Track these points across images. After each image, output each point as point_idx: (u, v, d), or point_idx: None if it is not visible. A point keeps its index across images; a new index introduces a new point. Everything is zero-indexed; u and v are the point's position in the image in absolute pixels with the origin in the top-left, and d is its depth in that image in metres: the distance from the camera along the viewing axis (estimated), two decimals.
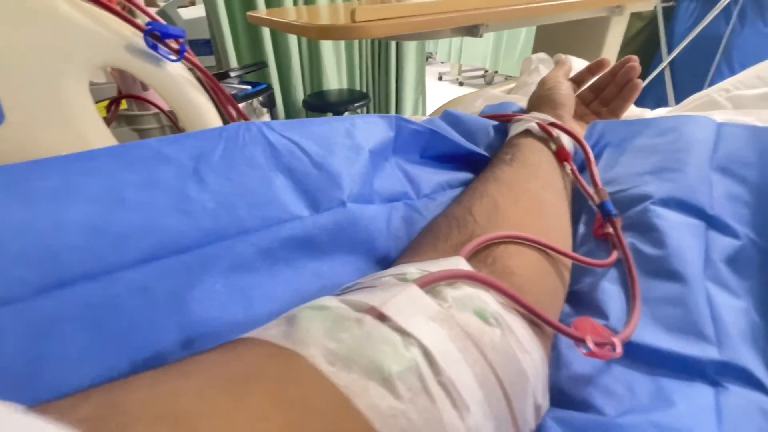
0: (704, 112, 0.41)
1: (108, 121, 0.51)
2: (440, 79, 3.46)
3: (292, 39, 1.54)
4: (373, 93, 1.95)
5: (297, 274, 0.19)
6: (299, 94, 1.67)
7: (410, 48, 1.86)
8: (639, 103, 0.49)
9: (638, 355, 0.21)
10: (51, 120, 0.29)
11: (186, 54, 0.31)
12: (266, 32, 1.49)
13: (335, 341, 0.11)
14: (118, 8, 0.28)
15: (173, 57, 0.31)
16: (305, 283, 0.19)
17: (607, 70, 0.44)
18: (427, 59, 3.80)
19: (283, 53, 1.57)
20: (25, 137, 0.28)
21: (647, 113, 0.51)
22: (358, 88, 1.85)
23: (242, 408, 0.09)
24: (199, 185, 0.19)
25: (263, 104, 1.50)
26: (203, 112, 0.35)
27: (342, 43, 1.68)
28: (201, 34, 1.79)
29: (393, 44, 1.83)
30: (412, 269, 0.17)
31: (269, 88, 1.46)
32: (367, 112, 1.81)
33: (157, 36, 0.29)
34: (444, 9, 0.50)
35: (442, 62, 3.69)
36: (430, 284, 0.15)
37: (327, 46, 1.63)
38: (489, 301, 0.16)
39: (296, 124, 0.25)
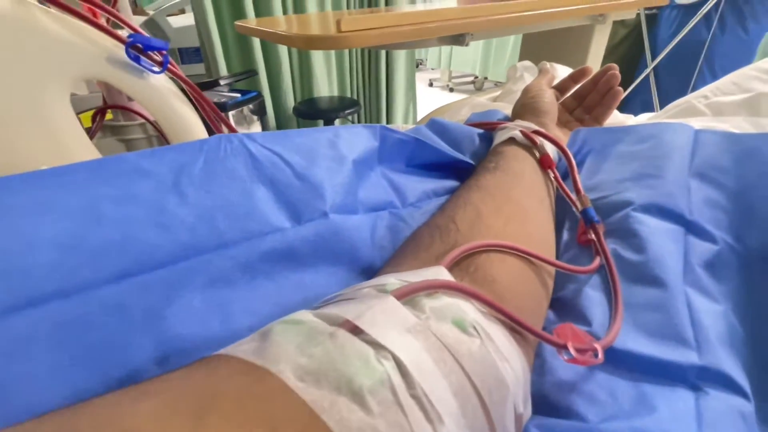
0: (684, 119, 0.42)
1: (93, 131, 0.51)
2: (431, 85, 3.49)
3: (282, 47, 1.54)
4: (363, 100, 1.96)
5: (278, 287, 0.19)
6: (290, 102, 1.68)
7: (400, 55, 1.87)
8: (625, 109, 0.50)
9: (621, 361, 0.21)
10: (32, 133, 0.28)
11: (170, 66, 0.31)
12: (256, 40, 1.49)
13: (306, 356, 0.11)
14: (98, 21, 0.28)
15: (156, 69, 0.31)
16: (286, 296, 0.19)
17: (589, 78, 0.45)
18: (417, 66, 3.83)
19: (273, 61, 1.57)
20: (6, 150, 0.28)
21: (630, 119, 0.52)
22: (348, 95, 1.86)
23: (201, 429, 0.09)
24: (179, 199, 0.19)
25: (254, 112, 1.50)
26: (188, 123, 0.35)
27: (332, 50, 1.69)
28: (191, 43, 1.79)
29: (383, 52, 1.84)
30: (392, 280, 0.17)
31: (259, 96, 1.46)
32: (358, 119, 1.82)
33: (139, 48, 0.29)
34: (429, 19, 0.50)
35: (432, 69, 3.73)
36: (407, 295, 0.15)
37: (317, 54, 1.64)
38: (468, 310, 0.16)
39: (279, 136, 0.25)
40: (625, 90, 1.83)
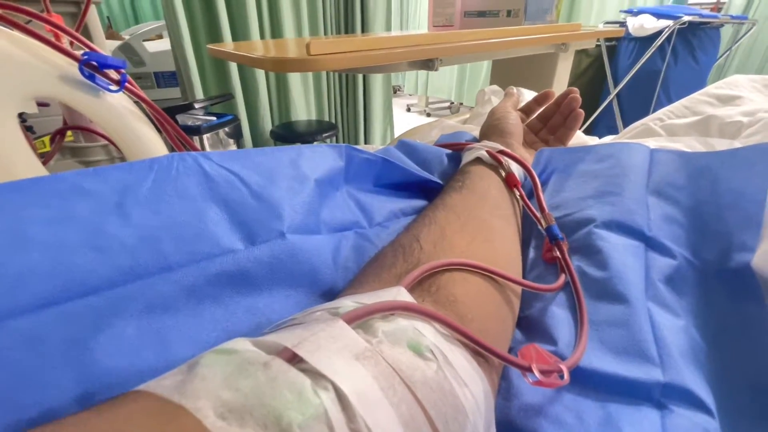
0: (642, 139, 0.43)
1: (51, 153, 0.48)
2: (408, 110, 3.57)
3: (260, 70, 1.55)
4: (341, 124, 1.98)
5: (227, 313, 0.18)
6: (267, 125, 1.67)
7: (377, 80, 1.92)
8: (591, 132, 0.52)
9: (587, 381, 0.21)
10: None
11: (127, 84, 0.30)
12: (233, 64, 1.50)
13: (232, 390, 0.10)
14: (50, 38, 0.27)
15: (113, 87, 0.30)
16: (237, 322, 0.18)
17: (552, 101, 0.46)
18: (395, 92, 3.93)
19: (250, 84, 1.58)
20: None
21: (594, 141, 0.54)
22: (326, 118, 1.88)
23: None
24: (121, 220, 0.18)
25: (230, 135, 1.49)
26: (147, 144, 0.34)
27: (310, 74, 1.71)
28: (167, 67, 1.78)
29: (360, 76, 1.88)
30: (348, 302, 0.16)
31: (236, 119, 1.46)
32: (336, 142, 1.83)
33: (93, 66, 0.28)
34: (399, 44, 0.52)
35: (410, 95, 3.83)
36: (360, 319, 0.14)
37: (295, 78, 1.66)
38: (427, 332, 0.16)
39: (238, 154, 0.25)
40: (590, 114, 1.93)
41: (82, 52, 0.28)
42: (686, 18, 1.58)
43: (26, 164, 0.30)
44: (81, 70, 0.28)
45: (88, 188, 0.18)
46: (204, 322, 0.17)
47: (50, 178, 0.18)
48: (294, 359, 0.12)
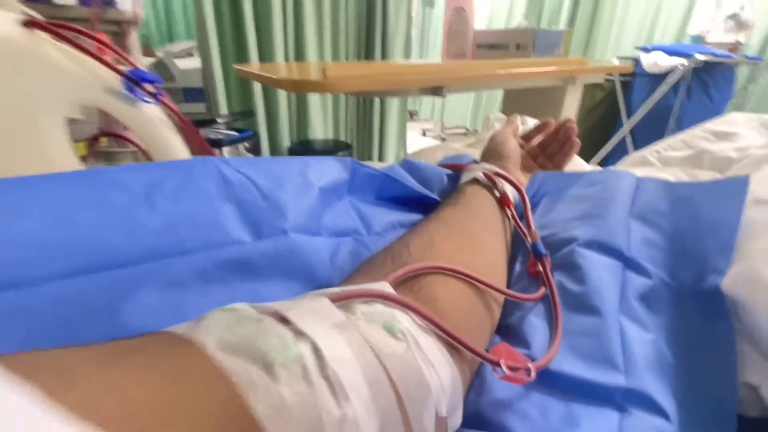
0: (634, 168, 0.45)
1: (88, 155, 0.53)
2: (424, 134, 3.64)
3: (281, 90, 1.63)
4: (356, 144, 2.04)
5: (231, 294, 0.20)
6: (285, 142, 1.74)
7: (393, 104, 1.98)
8: (604, 164, 0.54)
9: (556, 383, 0.22)
10: (23, 151, 0.31)
11: (161, 97, 0.34)
12: (257, 83, 1.58)
13: (230, 333, 0.13)
14: (99, 55, 0.32)
15: (149, 99, 0.34)
16: (238, 302, 0.20)
17: (551, 129, 0.49)
18: (411, 116, 4.03)
19: (272, 103, 1.65)
20: None
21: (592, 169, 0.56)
22: (342, 139, 1.94)
23: (107, 370, 0.10)
24: (148, 209, 0.21)
25: (249, 150, 1.56)
26: (175, 150, 0.38)
27: (329, 95, 1.79)
28: (195, 83, 1.89)
29: (377, 100, 1.95)
30: (335, 289, 0.19)
31: (255, 135, 1.53)
32: None
33: (134, 80, 0.32)
34: (409, 71, 0.55)
35: (426, 119, 3.91)
36: (343, 300, 0.17)
37: (314, 99, 1.74)
38: (402, 319, 0.18)
39: (253, 161, 0.28)
40: (602, 147, 1.94)
41: (124, 67, 0.32)
42: (700, 57, 1.61)
43: (67, 163, 0.33)
44: (124, 83, 0.32)
45: (123, 181, 0.21)
46: (211, 301, 0.19)
47: (95, 171, 0.21)
48: (283, 321, 0.14)
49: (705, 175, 0.39)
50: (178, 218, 0.21)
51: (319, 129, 1.81)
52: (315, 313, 0.15)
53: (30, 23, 0.30)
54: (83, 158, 0.52)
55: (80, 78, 0.31)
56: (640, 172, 0.39)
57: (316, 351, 0.13)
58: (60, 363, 0.10)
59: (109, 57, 0.37)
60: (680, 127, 1.71)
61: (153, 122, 0.35)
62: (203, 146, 0.41)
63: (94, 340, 0.16)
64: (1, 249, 0.15)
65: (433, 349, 0.18)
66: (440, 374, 0.17)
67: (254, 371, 0.11)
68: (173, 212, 0.21)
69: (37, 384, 0.07)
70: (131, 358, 0.11)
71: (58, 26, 0.31)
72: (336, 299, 0.17)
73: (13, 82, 0.28)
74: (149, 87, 0.34)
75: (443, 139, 3.44)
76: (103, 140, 0.56)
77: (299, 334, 0.13)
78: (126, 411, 0.09)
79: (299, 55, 1.65)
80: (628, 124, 1.83)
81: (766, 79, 1.99)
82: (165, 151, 0.37)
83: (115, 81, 0.32)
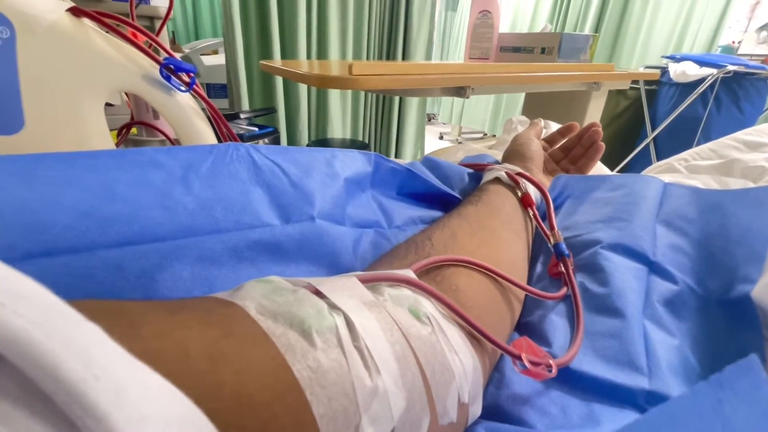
0: (661, 175, 0.44)
1: (118, 143, 0.55)
2: (441, 138, 3.63)
3: (303, 88, 1.65)
4: (374, 145, 2.05)
5: (259, 273, 0.21)
6: (304, 140, 1.76)
7: (412, 105, 1.99)
8: (627, 172, 0.53)
9: (576, 382, 0.22)
10: (65, 131, 0.32)
11: (195, 87, 0.35)
12: (279, 80, 1.60)
13: (269, 300, 0.13)
14: (140, 43, 0.33)
15: (183, 88, 0.35)
16: None
17: (575, 133, 0.48)
18: (429, 120, 4.02)
19: (292, 101, 1.68)
20: (40, 145, 0.31)
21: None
22: (360, 138, 1.95)
23: (170, 319, 0.11)
24: (184, 189, 0.22)
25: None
26: (204, 138, 0.39)
27: (349, 95, 1.80)
28: (219, 80, 1.94)
29: (396, 100, 1.96)
30: (361, 274, 0.19)
31: (275, 131, 1.55)
32: None
33: (171, 69, 0.33)
34: (433, 71, 0.56)
35: (444, 123, 3.90)
36: (371, 281, 0.17)
37: (334, 97, 1.75)
38: (427, 305, 0.18)
39: (282, 150, 0.29)
40: (626, 156, 1.91)
41: (161, 57, 0.34)
42: (731, 67, 1.56)
43: (104, 145, 0.35)
44: (161, 71, 0.33)
45: (161, 161, 0.22)
46: (241, 277, 0.20)
47: (135, 151, 0.22)
48: (316, 293, 0.14)
49: (736, 183, 0.38)
50: (211, 198, 0.22)
51: (338, 128, 1.83)
52: (346, 289, 0.15)
53: (77, 11, 0.31)
54: (116, 145, 0.54)
55: (121, 64, 0.32)
56: (668, 178, 0.38)
57: (349, 323, 0.14)
58: (122, 309, 0.11)
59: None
60: (707, 138, 1.65)
61: (186, 110, 0.36)
62: (232, 136, 0.42)
63: None
64: (60, 214, 0.16)
65: (456, 337, 0.18)
66: (463, 361, 0.17)
67: (292, 335, 0.12)
68: (207, 192, 0.22)
69: (102, 323, 0.08)
70: (185, 312, 0.12)
71: (103, 15, 0.32)
72: (364, 280, 0.17)
73: (61, 65, 0.29)
74: (184, 76, 0.35)
75: (460, 144, 3.43)
76: (133, 130, 0.58)
77: (332, 306, 0.14)
78: (182, 354, 0.10)
79: (322, 54, 1.67)
80: (652, 134, 1.79)
81: None
82: (196, 138, 0.38)
83: (153, 69, 0.34)
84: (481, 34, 0.84)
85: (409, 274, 0.20)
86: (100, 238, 0.17)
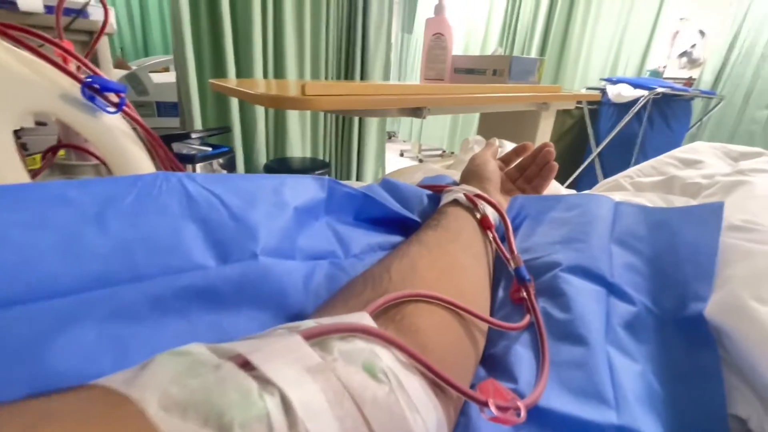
0: (610, 193, 0.46)
1: (40, 169, 0.49)
2: (401, 155, 3.69)
3: (259, 106, 1.61)
4: (335, 163, 2.03)
5: (190, 327, 0.18)
6: (262, 159, 1.71)
7: (372, 124, 2.00)
8: (575, 187, 0.55)
9: (545, 420, 0.21)
10: None
11: (125, 108, 0.32)
12: (234, 99, 1.55)
13: (180, 386, 0.10)
14: (55, 59, 0.29)
15: (111, 109, 0.31)
16: (199, 337, 0.18)
17: (529, 152, 0.49)
18: (390, 137, 4.08)
19: (249, 120, 1.63)
20: None
21: (569, 192, 0.57)
22: (321, 157, 1.93)
23: None
24: (98, 230, 0.18)
25: (223, 166, 1.51)
26: (138, 165, 0.35)
27: (308, 114, 1.78)
28: (169, 98, 1.85)
29: (356, 119, 1.96)
30: (310, 323, 0.17)
31: (231, 151, 1.49)
32: None
33: (95, 88, 0.30)
34: (389, 91, 0.55)
35: (404, 141, 3.97)
36: (318, 336, 0.15)
37: (293, 116, 1.72)
38: (384, 356, 0.16)
39: (223, 178, 0.26)
40: (573, 171, 2.02)
41: (86, 75, 0.30)
42: (660, 90, 1.72)
43: (15, 177, 0.30)
44: (83, 91, 0.29)
45: (71, 197, 0.19)
46: (166, 333, 0.17)
47: (34, 185, 0.19)
48: (246, 366, 0.12)
49: (679, 201, 0.40)
50: (132, 239, 0.19)
51: (297, 147, 1.79)
52: (285, 354, 0.13)
53: None
54: (36, 172, 0.48)
55: (32, 83, 0.28)
56: (618, 196, 0.40)
57: (285, 404, 0.11)
58: None
59: (72, 65, 0.34)
60: (644, 152, 1.81)
61: (113, 133, 0.33)
62: (170, 161, 0.38)
63: (11, 383, 0.13)
64: None
65: (417, 391, 0.16)
66: (426, 419, 0.15)
67: None
68: (127, 233, 0.19)
69: None
70: (53, 423, 0.09)
71: (8, 27, 0.28)
72: (310, 336, 0.15)
73: None
74: (112, 96, 0.31)
75: (420, 161, 3.49)
76: (61, 153, 0.53)
77: (265, 383, 0.12)
78: None
79: (279, 73, 1.64)
80: (596, 150, 1.92)
81: (719, 113, 2.14)
82: (126, 164, 0.34)
83: (74, 89, 0.30)
84: (435, 56, 0.85)
85: (364, 319, 0.18)
86: None
